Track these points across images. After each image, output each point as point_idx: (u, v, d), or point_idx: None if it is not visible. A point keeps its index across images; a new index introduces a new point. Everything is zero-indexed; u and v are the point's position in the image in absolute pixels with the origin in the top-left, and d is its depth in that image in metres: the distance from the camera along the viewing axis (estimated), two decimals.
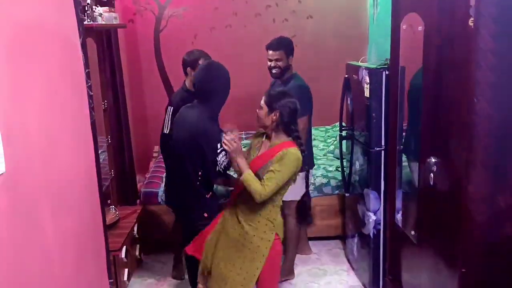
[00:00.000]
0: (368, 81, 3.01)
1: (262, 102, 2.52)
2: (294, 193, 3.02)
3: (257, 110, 2.53)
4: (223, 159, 2.61)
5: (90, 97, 2.25)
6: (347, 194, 3.65)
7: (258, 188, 2.39)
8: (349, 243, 3.73)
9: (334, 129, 5.05)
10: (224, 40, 5.31)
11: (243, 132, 5.30)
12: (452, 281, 2.19)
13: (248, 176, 2.41)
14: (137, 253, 3.63)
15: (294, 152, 2.44)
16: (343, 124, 3.60)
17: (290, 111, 2.48)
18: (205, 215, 2.70)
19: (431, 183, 2.38)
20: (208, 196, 2.74)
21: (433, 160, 2.34)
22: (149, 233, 3.83)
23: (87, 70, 2.23)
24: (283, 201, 2.65)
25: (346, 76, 3.50)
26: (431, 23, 2.33)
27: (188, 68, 3.22)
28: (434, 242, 2.45)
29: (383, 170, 3.08)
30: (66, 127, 1.66)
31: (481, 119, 1.97)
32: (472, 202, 2.05)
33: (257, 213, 2.51)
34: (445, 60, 2.22)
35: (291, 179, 2.52)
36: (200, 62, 3.20)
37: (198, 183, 2.67)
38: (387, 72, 2.94)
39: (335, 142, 4.49)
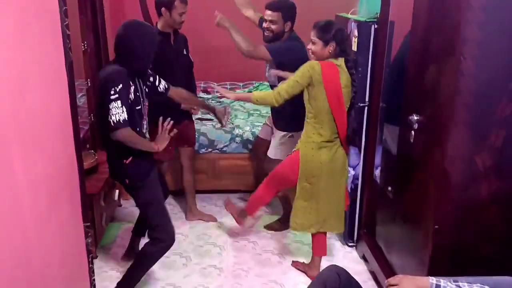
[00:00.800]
0: (357, 34, 2.94)
1: (314, 37, 2.61)
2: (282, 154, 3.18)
3: (310, 46, 2.64)
4: (117, 111, 2.28)
5: (66, 36, 2.16)
6: None
7: (269, 92, 2.70)
8: None
9: None
10: (187, 5, 5.10)
11: (228, 83, 5.23)
12: (425, 237, 2.23)
13: (255, 94, 2.75)
14: (116, 198, 3.62)
15: (312, 61, 2.62)
16: None
17: (343, 39, 2.61)
18: (126, 181, 2.54)
19: (411, 140, 2.38)
20: (126, 161, 2.48)
21: (415, 117, 2.33)
22: None
23: (64, 8, 2.12)
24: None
25: None
26: None
27: (163, 9, 3.12)
28: (409, 198, 2.48)
29: (365, 126, 3.07)
30: (37, 66, 1.59)
31: (466, 78, 1.94)
32: (449, 161, 2.07)
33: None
34: (435, 17, 2.16)
35: (304, 83, 2.60)
36: (176, 3, 3.09)
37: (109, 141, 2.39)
38: (376, 26, 2.87)
39: None
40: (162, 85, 2.72)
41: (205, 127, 3.98)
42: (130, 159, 2.48)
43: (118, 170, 2.55)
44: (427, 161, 2.26)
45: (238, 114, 4.25)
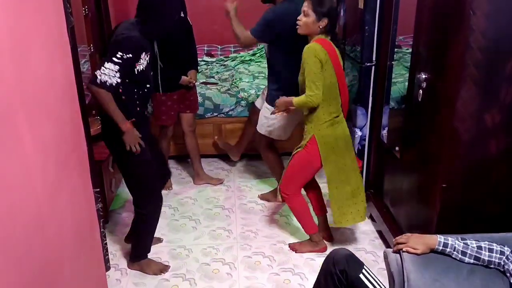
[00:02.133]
0: None
1: (307, 9, 2.51)
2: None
3: (301, 18, 2.54)
4: (109, 73, 2.23)
5: (67, 1, 2.12)
6: None
7: (303, 98, 2.55)
8: None
9: None
10: None
11: (231, 45, 5.15)
12: (433, 195, 2.24)
13: (296, 100, 2.60)
14: None
15: (309, 46, 2.52)
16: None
17: (335, 16, 2.55)
18: (118, 148, 2.44)
19: (419, 99, 2.36)
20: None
21: (423, 76, 2.30)
22: None
23: None
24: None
25: None
26: None
27: None
28: (417, 157, 2.47)
29: (372, 86, 3.04)
30: (38, 31, 1.56)
31: (476, 33, 1.90)
32: (458, 119, 2.05)
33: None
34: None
35: (320, 69, 2.49)
36: None
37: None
38: None
39: None
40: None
41: (210, 91, 3.95)
42: (131, 120, 2.41)
43: (114, 130, 2.41)
44: (435, 120, 2.24)
45: (243, 77, 4.21)
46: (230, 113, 3.92)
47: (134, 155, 2.45)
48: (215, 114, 3.91)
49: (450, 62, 2.06)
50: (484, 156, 2.10)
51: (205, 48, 5.02)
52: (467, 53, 1.93)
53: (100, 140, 3.25)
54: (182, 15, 3.31)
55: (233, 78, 4.26)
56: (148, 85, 2.49)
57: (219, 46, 5.18)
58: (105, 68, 2.24)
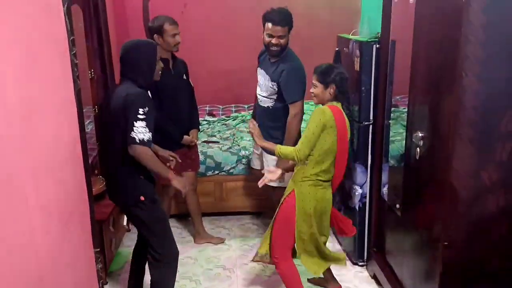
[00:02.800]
0: (359, 54, 2.98)
1: (315, 81, 2.65)
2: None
3: (312, 90, 2.68)
4: (142, 130, 2.33)
5: (74, 65, 2.21)
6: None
7: (292, 149, 2.60)
8: None
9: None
10: (215, 9, 5.21)
11: (233, 105, 5.27)
12: (435, 254, 2.23)
13: (279, 149, 2.66)
14: (124, 223, 3.64)
15: (321, 107, 2.63)
16: None
17: (343, 81, 2.65)
18: (142, 198, 2.50)
19: (417, 157, 2.40)
20: (142, 177, 2.52)
21: (420, 134, 2.35)
22: None
23: (71, 38, 2.18)
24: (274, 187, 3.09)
25: (337, 49, 3.46)
26: None
27: (155, 35, 3.18)
28: (418, 215, 2.48)
29: (370, 144, 3.09)
30: (47, 95, 1.63)
31: (469, 94, 1.97)
32: (456, 177, 2.07)
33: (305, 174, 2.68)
34: (435, 34, 2.20)
35: (319, 131, 2.57)
36: (165, 26, 3.15)
37: (128, 158, 2.40)
38: (377, 46, 2.92)
39: None
40: None
41: (212, 150, 4.01)
42: (142, 176, 2.51)
43: (133, 188, 2.51)
44: (434, 178, 2.27)
45: (244, 136, 4.28)
46: (231, 171, 3.95)
47: (157, 203, 2.56)
48: (217, 172, 3.95)
49: (445, 121, 2.12)
50: (484, 213, 2.11)
51: (207, 108, 5.13)
52: (461, 113, 1.99)
53: (102, 199, 3.29)
54: (185, 77, 3.42)
55: (234, 136, 4.33)
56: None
57: (221, 106, 5.29)
58: (137, 127, 2.34)
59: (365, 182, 3.16)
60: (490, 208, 2.10)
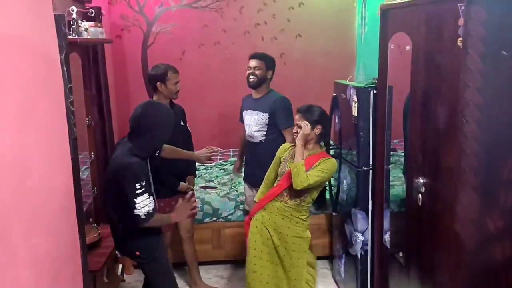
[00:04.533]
0: (356, 100, 2.99)
1: (300, 121, 2.71)
2: None
3: (296, 130, 2.74)
4: (145, 203, 2.34)
5: (71, 113, 2.19)
6: (334, 214, 3.60)
7: (304, 176, 2.61)
8: (336, 264, 3.67)
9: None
10: (213, 57, 5.29)
11: (231, 149, 5.25)
12: None
13: (302, 165, 2.65)
14: (119, 273, 3.52)
15: (334, 160, 2.77)
16: (331, 142, 3.56)
17: (328, 120, 2.80)
18: (137, 253, 2.53)
19: (419, 203, 2.35)
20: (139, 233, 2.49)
21: (421, 180, 2.31)
22: None
23: (69, 86, 2.17)
24: None
25: (334, 94, 3.48)
26: (418, 43, 2.32)
27: (158, 83, 3.20)
28: (422, 264, 2.40)
29: (370, 189, 3.04)
30: (42, 145, 1.60)
31: (470, 140, 1.94)
32: (460, 224, 2.02)
33: (295, 219, 2.77)
34: (433, 80, 2.20)
35: (324, 183, 2.82)
36: (169, 74, 3.19)
37: (120, 223, 2.49)
38: (374, 91, 2.93)
39: None
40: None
41: (209, 196, 3.95)
42: (139, 230, 2.47)
43: (130, 245, 2.53)
44: (438, 225, 2.21)
45: (241, 181, 4.23)
46: (229, 217, 3.88)
47: (159, 257, 2.56)
48: (214, 218, 3.87)
49: (447, 167, 2.08)
50: (491, 262, 2.04)
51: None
52: (463, 159, 1.96)
53: (97, 248, 3.20)
54: (182, 123, 3.41)
55: (232, 181, 4.28)
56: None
57: (220, 150, 5.27)
58: (139, 203, 2.33)
59: (366, 229, 3.09)
60: (497, 257, 2.04)
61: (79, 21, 3.02)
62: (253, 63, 3.39)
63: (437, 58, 2.14)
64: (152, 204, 2.37)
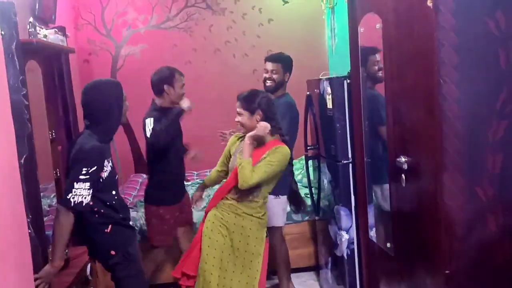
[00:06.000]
0: (330, 92, 2.89)
1: (239, 109, 2.56)
2: (276, 219, 3.13)
3: (238, 119, 2.57)
4: (83, 193, 2.11)
5: (25, 107, 2.06)
6: (317, 218, 3.44)
7: (248, 175, 2.41)
8: (323, 273, 3.47)
9: (300, 161, 4.88)
10: (184, 76, 5.19)
11: (207, 170, 5.09)
12: (437, 286, 1.98)
13: (248, 162, 2.44)
14: (88, 272, 3.26)
15: (285, 148, 2.54)
16: (308, 144, 3.44)
17: (269, 105, 2.56)
18: (112, 253, 2.30)
19: (403, 184, 2.21)
20: (107, 230, 2.30)
21: (403, 159, 2.18)
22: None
23: (21, 77, 2.03)
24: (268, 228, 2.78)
25: (308, 93, 3.38)
26: (388, 16, 2.25)
27: (165, 86, 3.05)
28: (412, 249, 2.24)
29: (352, 184, 2.91)
30: None
31: (450, 102, 1.84)
32: (449, 195, 1.89)
33: (248, 216, 2.56)
34: (406, 49, 2.11)
35: (277, 175, 2.56)
36: (176, 76, 3.07)
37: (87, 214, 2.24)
38: (348, 81, 2.84)
39: (302, 172, 4.31)
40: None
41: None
42: (110, 227, 2.29)
43: (100, 243, 2.32)
44: (425, 201, 2.07)
45: None
46: None
47: (131, 258, 2.35)
48: None
49: (429, 137, 1.96)
50: (485, 235, 1.91)
51: None
52: (444, 124, 1.85)
53: (63, 269, 2.96)
54: None
55: (209, 197, 4.09)
56: (113, 192, 2.34)
57: (195, 172, 5.13)
58: (76, 189, 2.11)
59: (350, 226, 2.93)
60: (491, 229, 1.90)
61: (37, 27, 2.87)
62: (269, 66, 3.24)
63: (408, 25, 2.06)
64: (87, 198, 2.12)
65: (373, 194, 2.71)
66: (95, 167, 2.15)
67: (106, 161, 2.25)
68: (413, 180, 2.14)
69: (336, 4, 4.83)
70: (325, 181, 3.16)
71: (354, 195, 2.90)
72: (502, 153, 1.87)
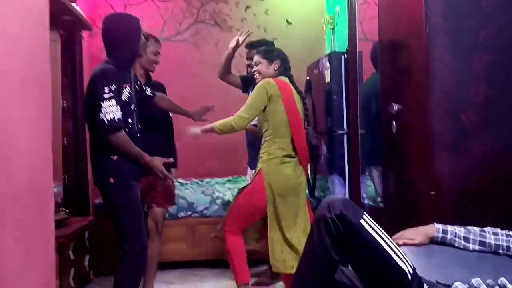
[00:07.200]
0: (328, 66, 3.10)
1: (257, 58, 2.70)
2: None
3: (255, 68, 2.70)
4: (111, 109, 2.23)
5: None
6: (312, 199, 3.53)
7: (228, 119, 2.55)
8: None
9: None
10: (189, 88, 5.39)
11: (207, 178, 5.17)
12: (423, 206, 2.09)
13: (216, 123, 2.60)
14: (86, 263, 3.30)
15: (264, 79, 2.63)
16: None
17: (286, 58, 2.72)
18: (111, 180, 2.35)
19: (394, 131, 2.37)
20: (114, 158, 2.35)
21: (395, 106, 2.35)
22: (100, 249, 3.49)
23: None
24: None
25: (307, 78, 3.59)
26: None
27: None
28: (400, 200, 2.36)
29: (346, 154, 3.05)
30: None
31: (437, 30, 2.04)
32: (436, 120, 2.05)
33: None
34: (401, 18, 2.32)
35: (263, 101, 2.60)
36: (149, 41, 2.98)
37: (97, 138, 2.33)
38: (346, 56, 3.05)
39: None
40: (149, 89, 2.70)
41: (184, 191, 3.86)
42: (116, 156, 2.34)
43: (104, 168, 2.36)
44: (413, 142, 2.22)
45: (218, 183, 4.18)
46: (204, 212, 3.75)
47: (129, 190, 2.36)
48: (189, 213, 3.73)
49: (415, 64, 2.15)
50: (469, 159, 2.05)
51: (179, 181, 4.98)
52: (432, 52, 2.04)
53: (62, 227, 3.03)
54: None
55: (207, 184, 4.23)
56: (129, 120, 2.38)
57: (194, 180, 5.22)
58: (105, 107, 2.24)
59: (344, 194, 3.04)
60: (474, 153, 2.05)
61: None
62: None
63: None
64: (119, 114, 2.25)
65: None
66: (114, 85, 2.26)
67: (124, 84, 2.34)
68: (403, 126, 2.30)
69: (336, 24, 5.16)
70: (322, 158, 3.29)
71: (348, 164, 3.03)
72: (485, 85, 2.05)
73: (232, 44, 3.16)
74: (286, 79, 2.71)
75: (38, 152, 1.55)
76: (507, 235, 1.63)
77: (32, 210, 1.51)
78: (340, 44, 4.92)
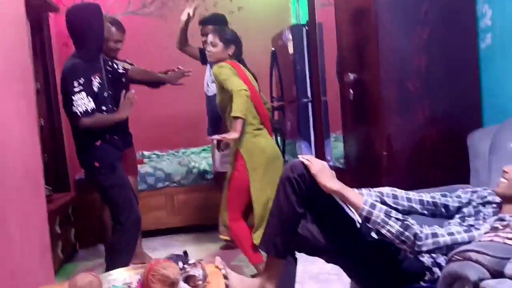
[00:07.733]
0: (291, 38, 3.28)
1: (213, 39, 2.63)
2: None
3: (210, 48, 2.64)
4: (83, 102, 2.35)
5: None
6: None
7: (237, 98, 2.47)
8: None
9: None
10: (160, 61, 5.47)
11: (182, 149, 5.33)
12: (378, 164, 2.35)
13: (238, 114, 2.48)
14: (72, 236, 3.49)
15: (217, 64, 2.62)
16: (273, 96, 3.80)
17: (240, 42, 2.70)
18: (96, 164, 2.47)
19: (351, 98, 2.60)
20: (97, 143, 2.47)
21: (351, 75, 2.57)
22: (84, 222, 3.68)
23: None
24: None
25: (273, 49, 3.77)
26: None
27: None
28: (358, 161, 2.61)
29: (311, 120, 3.27)
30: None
31: (385, 37, 2.28)
32: (383, 86, 2.28)
33: None
34: None
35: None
36: (111, 29, 2.95)
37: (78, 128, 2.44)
38: (307, 28, 3.23)
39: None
40: (120, 66, 2.81)
41: (161, 163, 4.05)
42: (99, 142, 2.48)
43: (88, 154, 2.50)
44: (368, 105, 2.45)
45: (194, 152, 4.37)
46: (182, 182, 3.94)
47: (116, 171, 2.50)
48: (167, 183, 3.93)
49: (366, 38, 2.36)
50: (415, 121, 2.30)
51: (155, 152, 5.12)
52: (380, 26, 2.25)
53: (48, 203, 3.19)
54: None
55: (183, 155, 4.41)
56: (103, 108, 2.52)
57: (170, 151, 5.34)
58: (76, 101, 2.36)
59: None
60: (418, 116, 2.30)
61: None
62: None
63: None
64: (90, 104, 2.37)
65: None
66: (83, 79, 2.38)
67: (92, 75, 2.45)
68: (359, 94, 2.53)
69: None
70: (289, 125, 3.52)
71: (313, 130, 3.26)
72: (426, 54, 2.28)
73: (184, 17, 3.22)
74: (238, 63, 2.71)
75: (29, 140, 1.73)
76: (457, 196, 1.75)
77: (28, 190, 1.70)
78: (305, 13, 5.08)
